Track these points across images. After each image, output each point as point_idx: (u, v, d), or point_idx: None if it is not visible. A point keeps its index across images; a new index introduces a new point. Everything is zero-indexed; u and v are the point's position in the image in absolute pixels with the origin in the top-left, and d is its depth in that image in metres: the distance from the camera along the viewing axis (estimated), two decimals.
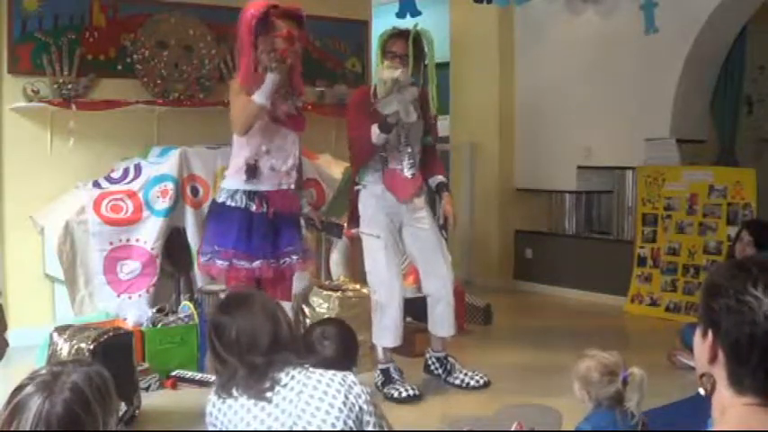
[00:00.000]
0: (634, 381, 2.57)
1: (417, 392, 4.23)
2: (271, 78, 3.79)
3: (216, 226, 3.95)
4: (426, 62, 4.39)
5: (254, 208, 3.88)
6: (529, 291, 7.51)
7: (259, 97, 3.80)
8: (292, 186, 4.06)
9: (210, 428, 2.19)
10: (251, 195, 3.91)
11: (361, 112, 4.30)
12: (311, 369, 2.16)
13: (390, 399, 4.17)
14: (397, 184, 4.31)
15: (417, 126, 4.36)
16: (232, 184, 3.95)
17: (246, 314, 2.20)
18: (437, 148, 4.73)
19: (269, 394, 2.10)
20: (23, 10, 5.33)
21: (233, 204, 3.89)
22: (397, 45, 4.28)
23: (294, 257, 3.98)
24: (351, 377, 2.17)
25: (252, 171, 3.85)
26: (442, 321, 4.45)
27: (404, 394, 4.19)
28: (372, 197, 4.35)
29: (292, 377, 2.12)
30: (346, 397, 2.09)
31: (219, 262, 3.85)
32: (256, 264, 3.84)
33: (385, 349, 4.37)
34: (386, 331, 4.32)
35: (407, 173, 4.31)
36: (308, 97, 6.29)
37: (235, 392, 2.13)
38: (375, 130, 4.18)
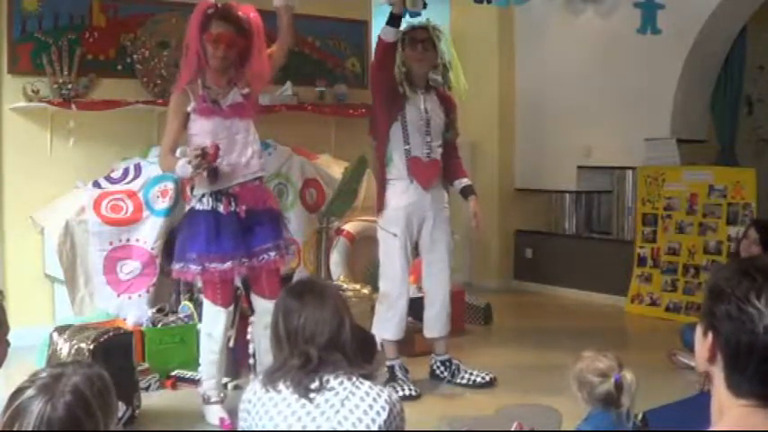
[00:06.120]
0: (625, 384, 2.58)
1: (415, 393, 4.27)
2: (186, 168, 3.64)
3: (187, 232, 3.89)
4: (446, 59, 4.44)
5: (221, 208, 3.79)
6: (529, 291, 7.51)
7: (181, 171, 3.70)
8: (259, 174, 3.94)
9: (244, 416, 2.17)
10: (218, 196, 3.81)
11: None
12: (361, 380, 2.14)
13: None
14: (418, 170, 4.37)
15: (438, 121, 4.45)
16: (198, 188, 3.87)
17: (317, 304, 2.17)
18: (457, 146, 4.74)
19: (315, 395, 2.08)
20: (23, 10, 5.33)
21: (201, 208, 3.81)
22: (417, 32, 4.39)
23: (271, 254, 3.87)
24: (395, 395, 2.17)
25: (212, 174, 3.72)
26: (434, 323, 4.55)
27: (399, 393, 4.17)
28: (398, 194, 4.39)
29: (341, 382, 2.10)
30: (389, 415, 2.08)
31: (193, 267, 3.78)
32: (228, 264, 3.75)
33: (390, 345, 4.39)
34: (389, 323, 4.38)
35: (425, 159, 4.38)
36: (308, 97, 6.31)
37: (281, 386, 2.11)
38: (384, 27, 4.24)
